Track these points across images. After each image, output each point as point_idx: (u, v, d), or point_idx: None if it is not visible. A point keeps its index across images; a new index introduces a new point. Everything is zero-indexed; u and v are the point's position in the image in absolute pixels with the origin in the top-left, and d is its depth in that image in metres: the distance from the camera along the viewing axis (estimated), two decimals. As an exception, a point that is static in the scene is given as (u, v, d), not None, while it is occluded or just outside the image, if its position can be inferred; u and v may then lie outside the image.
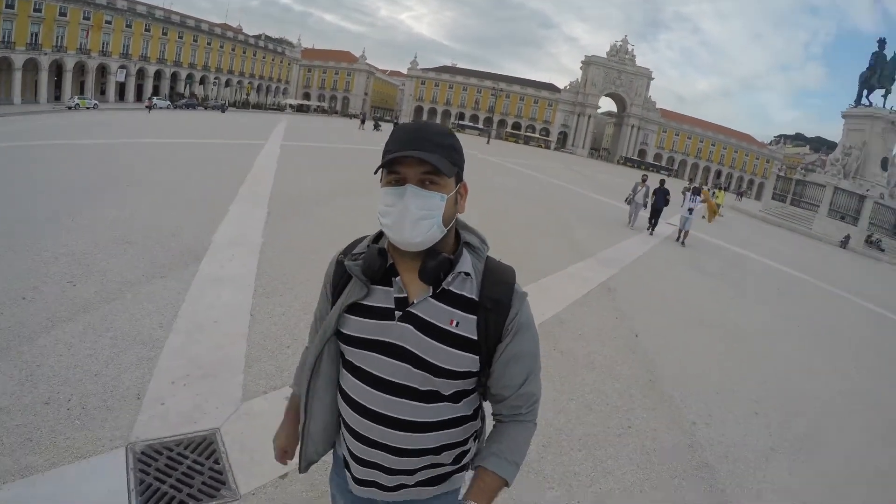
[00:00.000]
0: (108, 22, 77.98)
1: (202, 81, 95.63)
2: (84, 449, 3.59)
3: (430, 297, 1.54)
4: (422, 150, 1.45)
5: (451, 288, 1.55)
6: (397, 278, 1.57)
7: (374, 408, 1.57)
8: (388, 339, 1.54)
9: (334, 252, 1.79)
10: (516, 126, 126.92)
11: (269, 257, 8.66)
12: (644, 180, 19.96)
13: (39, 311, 5.48)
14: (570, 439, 4.94)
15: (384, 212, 1.51)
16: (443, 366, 1.51)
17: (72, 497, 3.18)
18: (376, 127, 63.13)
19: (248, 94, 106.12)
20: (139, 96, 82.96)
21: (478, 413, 1.76)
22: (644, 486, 4.44)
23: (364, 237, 1.76)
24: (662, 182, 20.03)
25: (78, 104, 59.21)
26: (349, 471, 1.73)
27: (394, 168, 1.48)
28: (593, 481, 4.37)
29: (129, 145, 22.66)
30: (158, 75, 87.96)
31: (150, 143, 24.16)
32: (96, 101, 65.62)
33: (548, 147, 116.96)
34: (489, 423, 1.78)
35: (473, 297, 1.56)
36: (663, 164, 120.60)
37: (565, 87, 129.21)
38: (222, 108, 75.77)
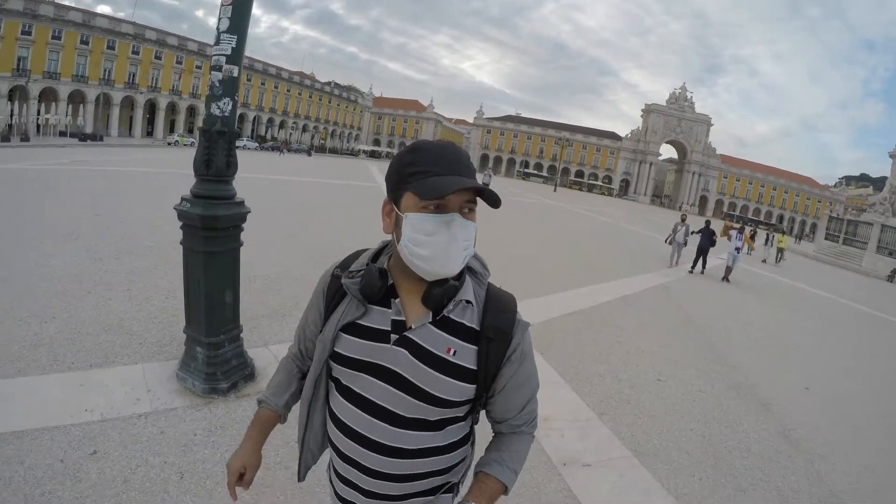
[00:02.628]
0: (199, 67, 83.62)
1: (282, 126, 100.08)
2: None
3: (430, 322, 1.48)
4: (469, 177, 1.39)
5: (451, 315, 1.49)
6: (396, 300, 1.50)
7: (358, 429, 1.51)
8: (380, 363, 1.48)
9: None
10: (579, 174, 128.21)
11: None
12: (683, 220, 19.94)
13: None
14: None
15: (421, 241, 1.39)
16: (435, 393, 1.46)
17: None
18: None
19: (323, 139, 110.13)
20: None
21: (468, 438, 1.68)
22: None
23: (362, 251, 1.68)
24: (708, 223, 19.83)
25: (177, 141, 63.51)
26: (332, 484, 1.70)
27: (441, 195, 1.36)
28: None
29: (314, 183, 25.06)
30: (242, 118, 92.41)
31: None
32: (193, 140, 69.37)
33: (610, 194, 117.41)
34: (480, 445, 1.72)
35: (474, 325, 1.51)
36: (735, 211, 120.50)
37: (626, 135, 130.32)
38: (308, 152, 78.63)
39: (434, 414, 1.49)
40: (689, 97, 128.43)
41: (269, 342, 5.89)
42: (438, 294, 1.43)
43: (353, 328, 1.51)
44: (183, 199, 4.25)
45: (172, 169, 24.90)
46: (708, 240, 18.59)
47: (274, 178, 27.35)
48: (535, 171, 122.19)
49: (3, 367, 4.41)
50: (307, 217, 15.97)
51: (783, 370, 8.56)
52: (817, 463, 5.29)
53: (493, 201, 1.37)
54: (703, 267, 18.55)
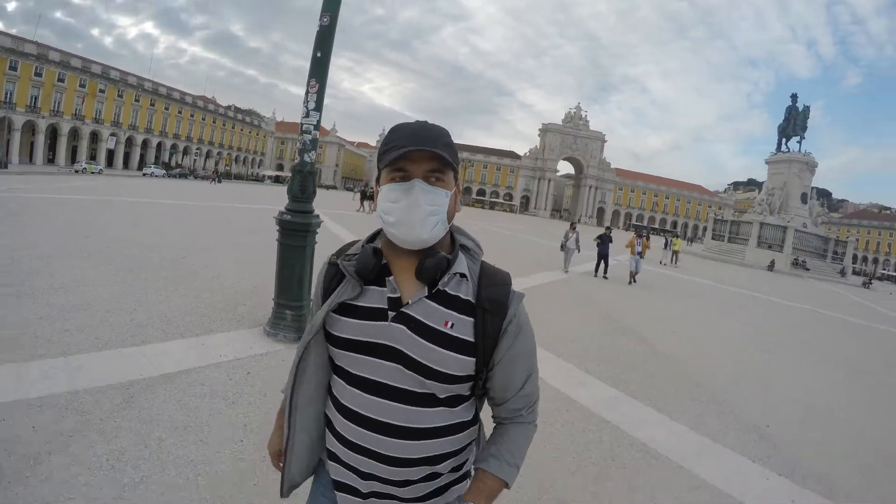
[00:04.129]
0: (102, 91, 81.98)
1: (185, 152, 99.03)
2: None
3: (425, 297, 1.50)
4: (430, 147, 1.44)
5: (446, 289, 1.51)
6: (391, 278, 1.53)
7: (366, 413, 1.49)
8: (379, 341, 1.48)
9: None
10: (481, 192, 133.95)
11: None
12: (574, 227, 21.08)
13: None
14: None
15: (389, 209, 1.47)
16: (436, 367, 1.45)
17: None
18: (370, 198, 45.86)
19: (227, 165, 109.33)
20: (126, 163, 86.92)
21: (477, 418, 1.67)
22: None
23: (356, 241, 1.70)
24: (608, 229, 22.18)
25: (85, 168, 61.90)
26: (346, 485, 1.60)
27: (399, 165, 1.46)
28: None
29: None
30: (145, 144, 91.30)
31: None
32: (101, 167, 68.62)
33: (512, 211, 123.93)
34: (488, 429, 1.73)
35: (469, 298, 1.52)
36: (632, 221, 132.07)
37: (525, 153, 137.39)
38: (218, 179, 77.69)
39: (441, 391, 1.49)
40: (583, 116, 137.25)
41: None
42: (431, 266, 1.47)
43: (348, 309, 1.52)
44: (281, 212, 6.63)
45: (115, 196, 26.21)
46: (607, 246, 20.41)
47: (243, 206, 29.01)
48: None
49: (127, 338, 6.17)
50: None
51: (662, 326, 11.79)
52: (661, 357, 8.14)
53: (445, 156, 1.44)
54: (606, 271, 20.27)
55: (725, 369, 8.91)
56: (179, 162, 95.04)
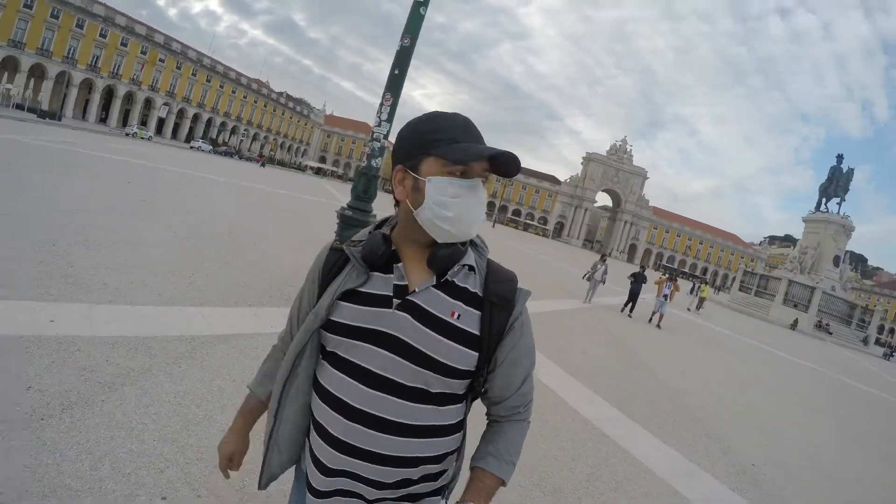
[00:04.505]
0: (162, 60, 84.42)
1: (233, 131, 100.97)
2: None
3: (433, 286, 1.48)
4: (494, 151, 1.40)
5: (454, 280, 1.49)
6: (399, 265, 1.50)
7: (357, 405, 1.43)
8: (381, 329, 1.44)
9: None
10: (516, 213, 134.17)
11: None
12: (603, 260, 21.04)
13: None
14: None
15: (447, 203, 1.41)
16: (438, 358, 1.42)
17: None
18: None
19: (272, 150, 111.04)
20: (175, 134, 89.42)
21: (463, 424, 1.61)
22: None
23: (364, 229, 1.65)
24: (643, 268, 21.78)
25: (136, 133, 63.43)
26: (309, 483, 1.57)
27: (467, 162, 1.41)
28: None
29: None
30: (196, 118, 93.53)
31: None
32: (151, 134, 70.16)
33: (545, 235, 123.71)
34: (469, 447, 1.66)
35: (477, 291, 1.51)
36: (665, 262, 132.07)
37: (566, 180, 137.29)
38: (262, 164, 78.81)
39: (435, 384, 1.45)
40: (628, 150, 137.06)
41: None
42: (446, 255, 1.45)
43: (352, 296, 1.48)
44: (343, 207, 7.45)
45: (168, 165, 27.34)
46: (640, 285, 20.07)
47: (286, 193, 30.04)
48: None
49: (187, 298, 6.94)
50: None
51: (675, 365, 12.14)
52: (650, 374, 8.69)
53: (512, 168, 1.41)
54: (632, 309, 19.96)
55: (725, 410, 9.41)
56: (226, 140, 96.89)
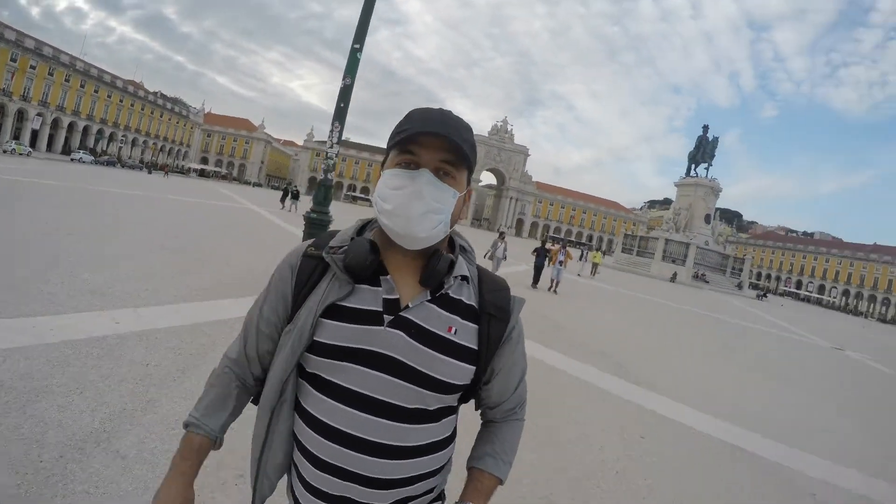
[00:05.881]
0: (33, 67, 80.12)
1: (111, 138, 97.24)
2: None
3: (427, 300, 1.37)
4: (447, 133, 1.29)
5: (449, 292, 1.40)
6: (387, 277, 1.38)
7: (350, 431, 1.32)
8: (372, 348, 1.32)
9: None
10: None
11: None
12: (502, 237, 21.78)
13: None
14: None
15: (387, 195, 1.32)
16: (436, 376, 1.34)
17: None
18: (294, 197, 42.34)
19: (154, 156, 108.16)
20: (50, 146, 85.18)
21: (455, 434, 1.54)
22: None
23: (335, 231, 1.52)
24: (544, 242, 23.21)
25: (14, 149, 60.81)
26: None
27: (409, 148, 1.32)
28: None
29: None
30: (72, 127, 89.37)
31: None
32: (30, 149, 67.38)
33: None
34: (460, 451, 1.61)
35: (472, 303, 1.43)
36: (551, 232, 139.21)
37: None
38: (149, 170, 77.49)
39: (433, 402, 1.37)
40: (509, 129, 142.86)
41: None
42: (440, 268, 1.35)
43: (335, 311, 1.34)
44: (308, 212, 9.47)
45: (83, 184, 27.57)
46: (543, 259, 21.53)
47: (205, 202, 30.82)
48: (363, 196, 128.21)
49: (197, 296, 8.60)
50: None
51: (581, 320, 14.90)
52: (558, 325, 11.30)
53: (463, 148, 1.31)
54: (537, 281, 21.17)
55: (614, 340, 12.34)
56: (105, 149, 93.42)
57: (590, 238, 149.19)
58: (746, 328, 24.39)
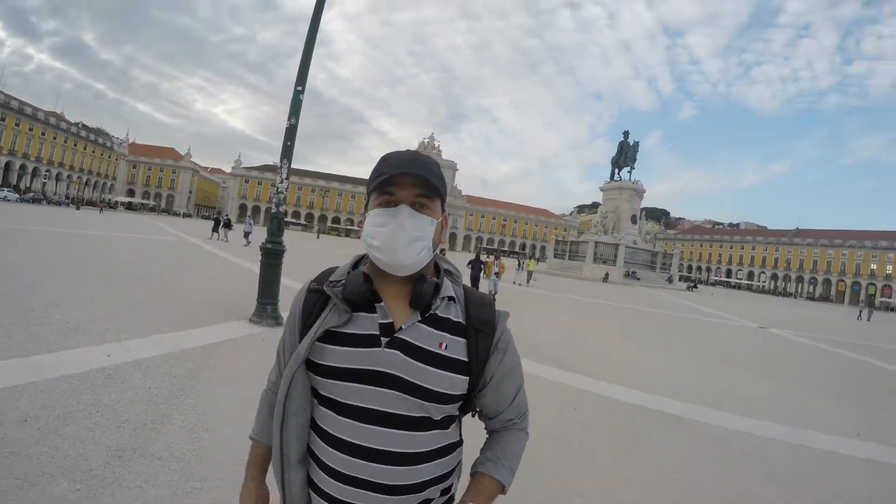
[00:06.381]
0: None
1: (34, 174, 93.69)
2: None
3: (418, 321, 1.53)
4: (416, 172, 1.47)
5: (437, 312, 1.56)
6: (381, 304, 1.55)
7: (362, 443, 1.47)
8: (373, 368, 1.48)
9: None
10: (336, 220, 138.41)
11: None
12: (442, 252, 25.16)
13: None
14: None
15: (374, 233, 1.51)
16: (434, 388, 1.48)
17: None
18: (226, 226, 42.38)
19: (79, 191, 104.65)
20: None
21: (461, 440, 1.70)
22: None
23: (334, 267, 1.73)
24: (478, 254, 23.94)
25: None
26: None
27: (387, 189, 1.50)
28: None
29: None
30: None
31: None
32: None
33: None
34: (468, 455, 1.76)
35: (460, 320, 1.58)
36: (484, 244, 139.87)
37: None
38: (77, 206, 75.95)
39: (436, 412, 1.52)
40: (436, 146, 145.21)
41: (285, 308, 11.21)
42: (426, 292, 1.51)
43: (335, 337, 1.51)
44: (264, 242, 10.29)
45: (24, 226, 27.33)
46: (478, 271, 22.22)
47: (144, 237, 30.66)
48: (293, 220, 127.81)
49: (173, 325, 9.24)
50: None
51: (520, 324, 15.93)
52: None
53: (420, 171, 1.48)
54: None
55: (548, 339, 13.49)
56: (28, 185, 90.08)
57: (522, 247, 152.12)
58: (675, 317, 26.45)
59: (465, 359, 1.54)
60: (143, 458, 4.36)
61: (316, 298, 1.62)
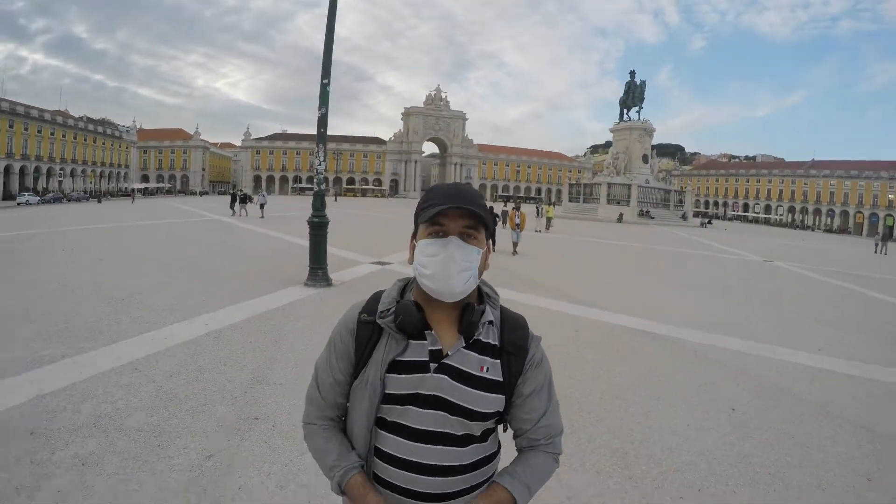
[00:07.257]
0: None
1: (49, 174, 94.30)
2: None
3: (463, 347, 1.63)
4: (466, 205, 1.56)
5: (480, 338, 1.65)
6: (431, 332, 1.64)
7: (414, 459, 1.59)
8: (423, 392, 1.59)
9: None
10: (351, 181, 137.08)
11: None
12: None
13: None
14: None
15: (426, 262, 1.58)
16: (477, 409, 1.59)
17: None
18: (244, 201, 42.32)
19: (94, 184, 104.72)
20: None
21: (499, 450, 1.81)
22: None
23: (380, 292, 1.79)
24: (491, 207, 26.26)
25: None
26: None
27: (438, 220, 1.58)
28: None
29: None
30: (8, 170, 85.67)
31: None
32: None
33: (383, 195, 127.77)
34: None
35: (496, 343, 1.67)
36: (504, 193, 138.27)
37: (390, 138, 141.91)
38: (99, 199, 76.60)
39: (477, 428, 1.63)
40: (444, 96, 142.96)
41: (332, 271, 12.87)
42: (476, 322, 1.61)
43: (395, 365, 1.61)
44: (310, 217, 11.94)
45: (41, 228, 28.59)
46: (493, 220, 24.11)
47: (175, 221, 32.14)
48: (308, 185, 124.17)
49: (243, 295, 10.70)
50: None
51: (540, 270, 17.64)
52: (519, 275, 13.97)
53: (465, 202, 1.56)
54: (494, 245, 23.69)
55: (564, 278, 15.16)
56: (46, 186, 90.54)
57: (538, 191, 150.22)
58: (686, 254, 27.96)
59: (501, 379, 1.66)
60: (269, 385, 6.09)
61: (371, 329, 1.69)
